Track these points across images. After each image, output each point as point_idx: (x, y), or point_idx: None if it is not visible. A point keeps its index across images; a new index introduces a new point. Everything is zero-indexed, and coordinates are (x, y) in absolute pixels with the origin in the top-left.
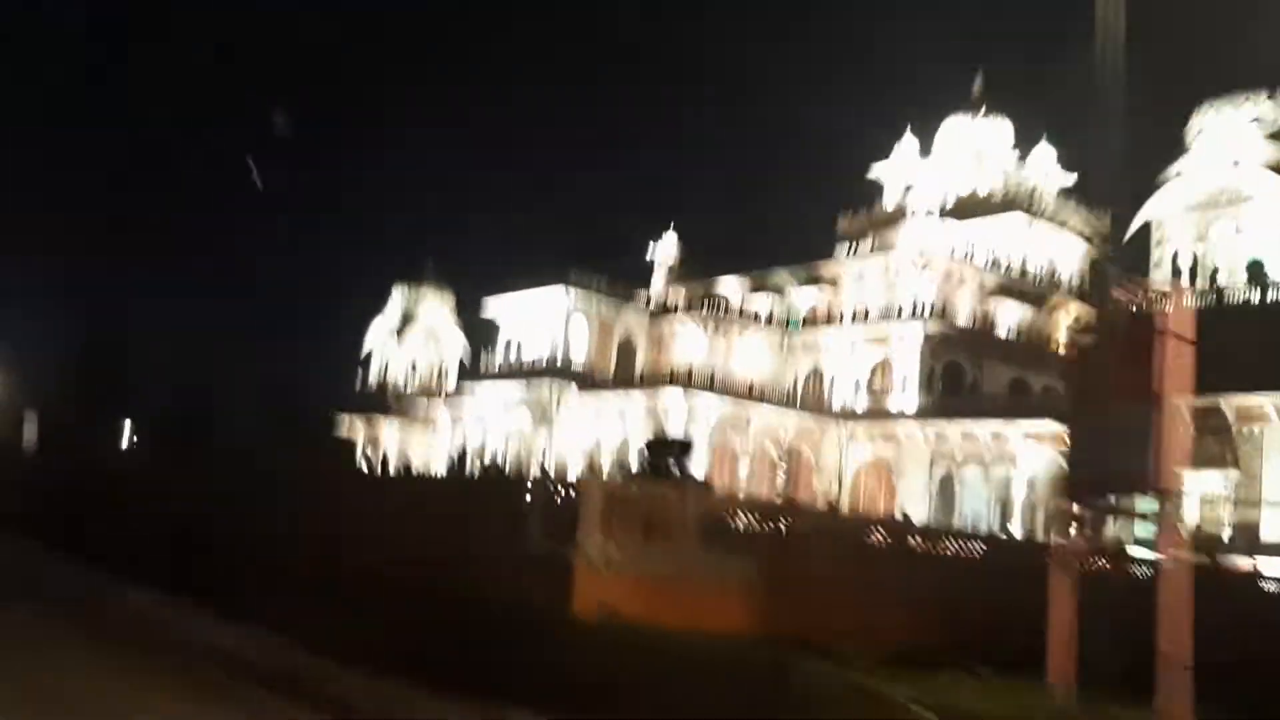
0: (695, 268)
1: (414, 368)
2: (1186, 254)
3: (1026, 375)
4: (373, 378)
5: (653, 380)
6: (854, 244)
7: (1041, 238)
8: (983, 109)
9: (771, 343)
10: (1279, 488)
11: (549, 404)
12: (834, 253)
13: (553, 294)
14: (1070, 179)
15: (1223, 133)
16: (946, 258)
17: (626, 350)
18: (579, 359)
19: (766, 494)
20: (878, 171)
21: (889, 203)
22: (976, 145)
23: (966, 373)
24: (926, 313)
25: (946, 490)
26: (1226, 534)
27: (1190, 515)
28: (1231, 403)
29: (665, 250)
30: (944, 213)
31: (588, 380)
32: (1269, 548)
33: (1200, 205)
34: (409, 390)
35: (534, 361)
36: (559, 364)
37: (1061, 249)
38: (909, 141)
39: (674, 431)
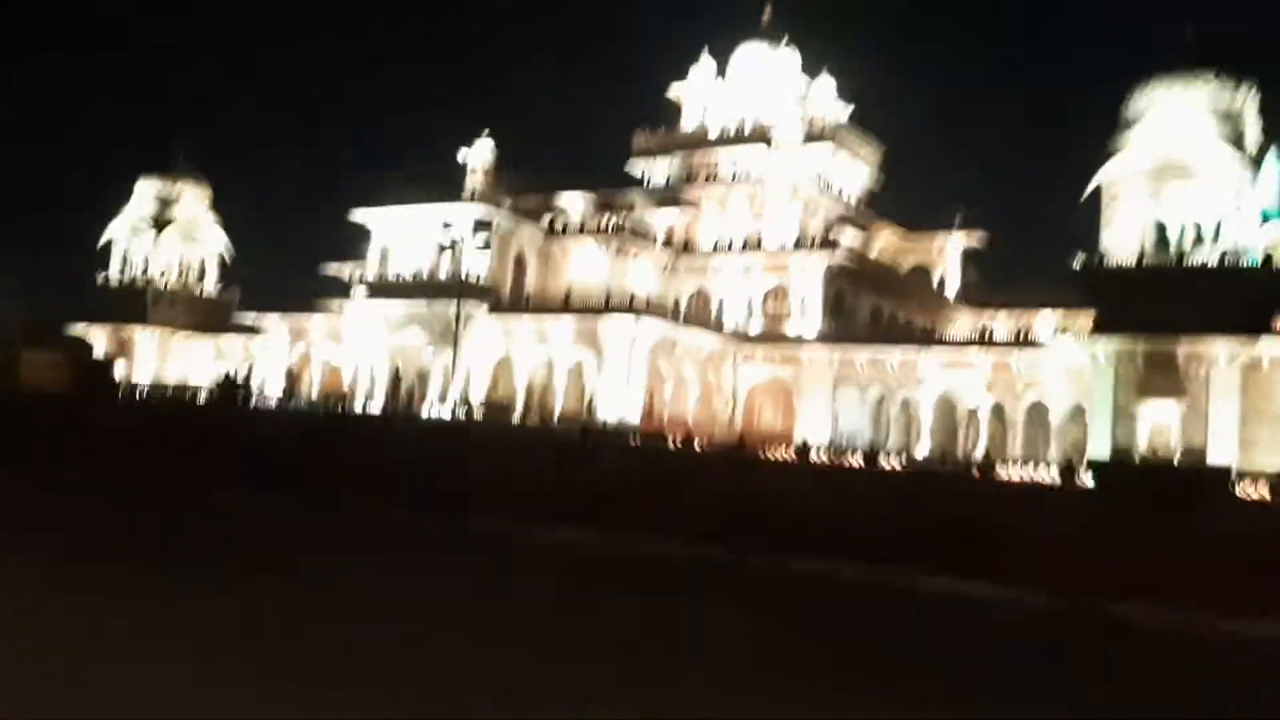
0: (513, 178)
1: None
2: (1137, 216)
3: (882, 302)
4: (116, 279)
5: (589, 305)
6: (652, 160)
7: (841, 165)
8: (783, 39)
9: (658, 263)
10: (1221, 418)
11: (452, 323)
12: (629, 168)
13: (455, 209)
14: (848, 110)
15: (1173, 107)
16: (808, 187)
17: (520, 268)
18: (474, 275)
19: (688, 416)
20: (676, 91)
21: (687, 124)
22: (768, 72)
23: (847, 299)
24: (822, 244)
25: (866, 411)
26: (1176, 455)
27: (1143, 438)
28: (1181, 346)
29: (479, 156)
30: (748, 138)
31: (497, 300)
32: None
33: (1152, 172)
34: (164, 292)
35: (424, 277)
36: (461, 280)
37: (851, 174)
38: (706, 64)
39: (614, 355)
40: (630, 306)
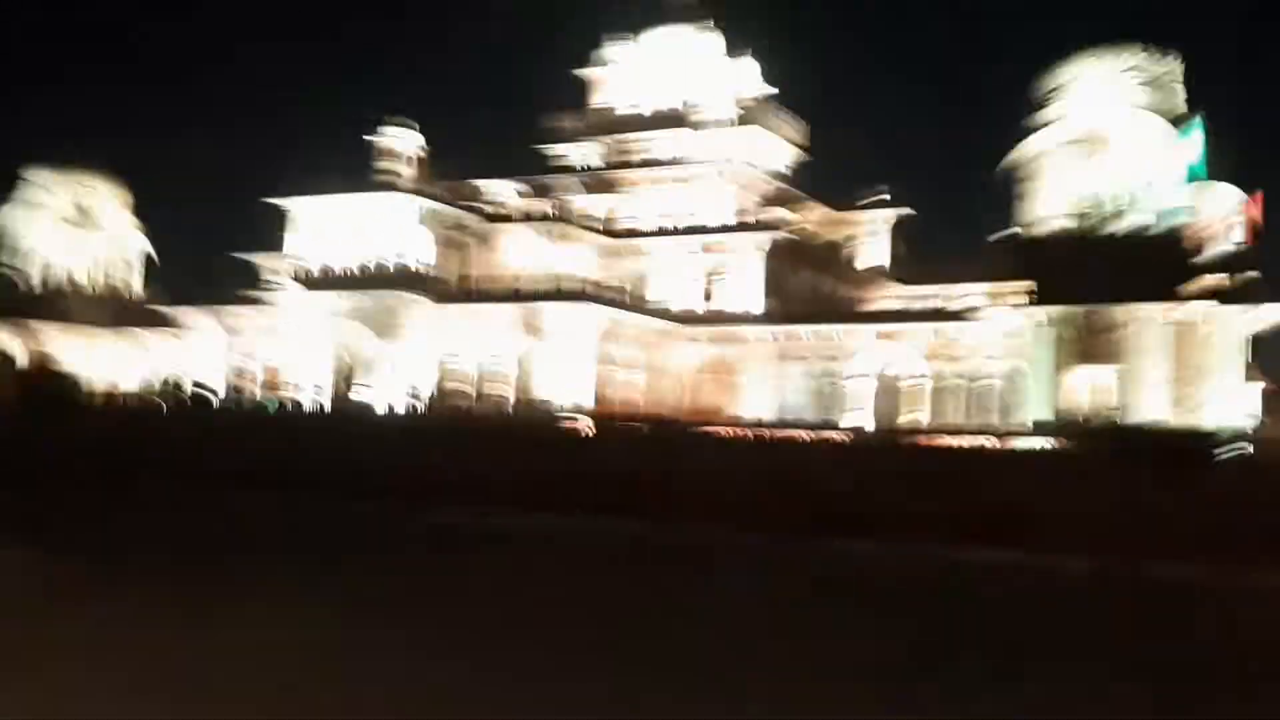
0: (433, 164)
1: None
2: (1064, 185)
3: (817, 279)
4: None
5: (535, 291)
6: (573, 144)
7: (767, 146)
8: (706, 20)
9: (596, 248)
10: (1152, 377)
11: (396, 315)
12: (549, 151)
13: (396, 199)
14: (770, 90)
15: (1098, 78)
16: (740, 168)
17: (461, 257)
18: (414, 266)
19: (637, 399)
20: (594, 73)
21: (602, 105)
22: (692, 55)
23: (786, 278)
24: (760, 225)
25: (810, 387)
26: (1116, 414)
27: (1082, 399)
28: (1115, 312)
29: (401, 142)
30: (675, 120)
31: (437, 289)
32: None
33: (1073, 143)
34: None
35: (361, 268)
36: (404, 271)
37: (777, 155)
38: (625, 45)
39: (556, 343)
40: (579, 293)
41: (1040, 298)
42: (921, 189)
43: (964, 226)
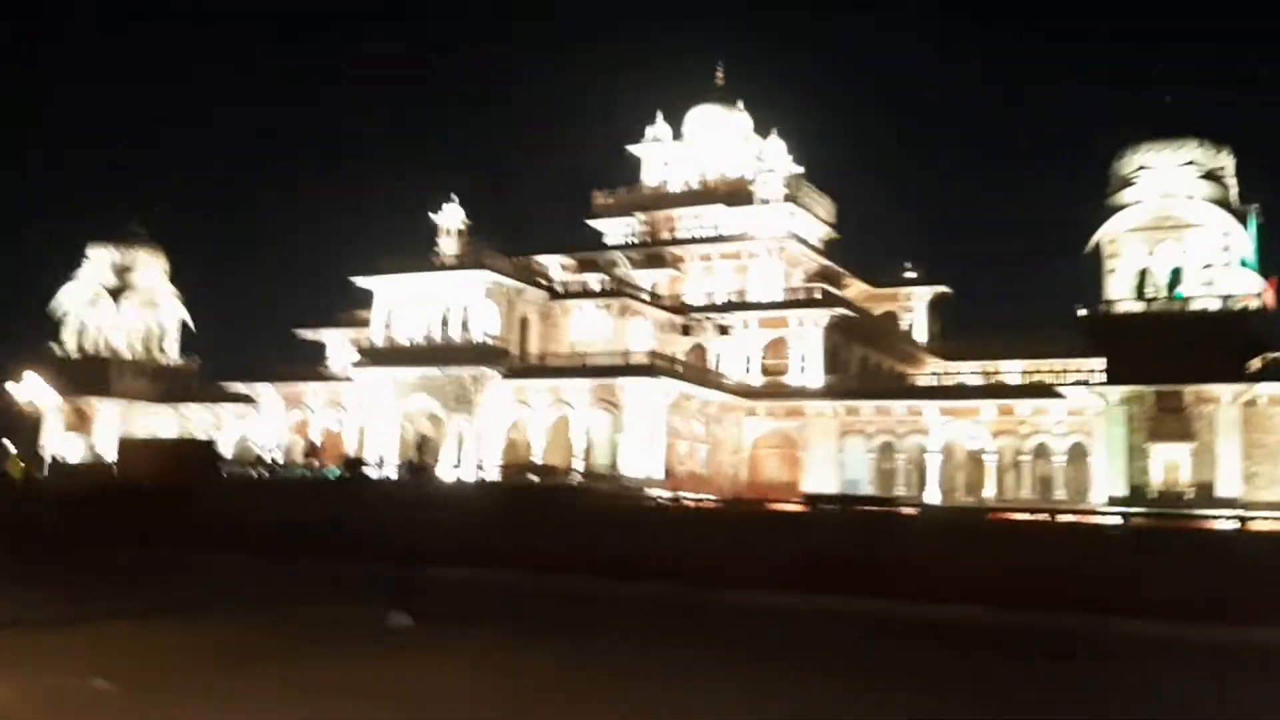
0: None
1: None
2: (1133, 268)
3: (868, 352)
4: (72, 351)
5: (607, 365)
6: (613, 219)
7: (804, 222)
8: (736, 101)
9: (655, 322)
10: (1227, 457)
11: (467, 388)
12: (592, 227)
13: (469, 276)
14: (799, 169)
15: (1162, 169)
16: (789, 243)
17: (523, 331)
18: (486, 340)
19: (700, 473)
20: (632, 151)
21: (644, 182)
22: (723, 133)
23: (841, 351)
24: (823, 299)
25: (871, 461)
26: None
27: (1156, 476)
28: (1188, 390)
29: (447, 219)
30: (716, 196)
31: (507, 362)
32: (1221, 501)
33: (1147, 227)
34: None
35: (428, 341)
36: (474, 345)
37: (813, 231)
38: (660, 126)
39: (634, 414)
40: (650, 367)
41: (1111, 376)
42: (950, 264)
43: (996, 301)
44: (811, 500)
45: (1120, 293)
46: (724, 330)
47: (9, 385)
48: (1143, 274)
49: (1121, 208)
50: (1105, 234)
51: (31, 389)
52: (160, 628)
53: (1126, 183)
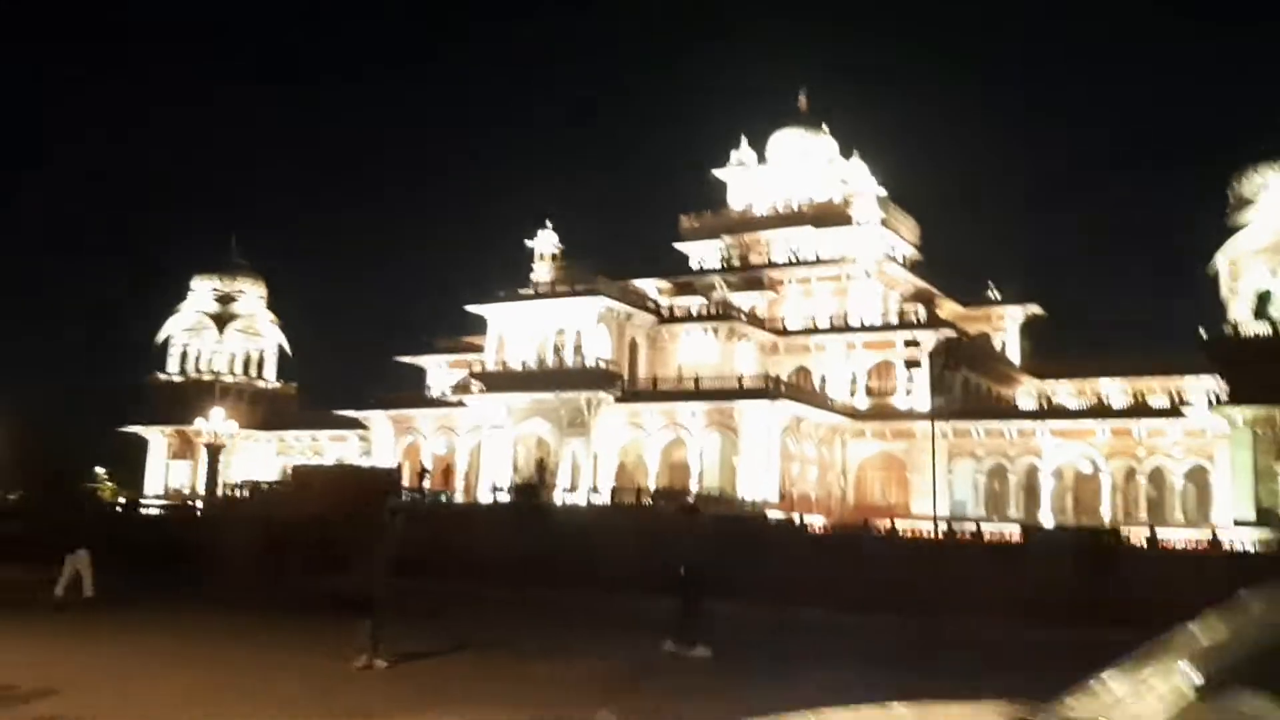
0: (582, 265)
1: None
2: (1254, 289)
3: (969, 374)
4: (176, 378)
5: (721, 389)
6: (701, 243)
7: (894, 244)
8: (820, 124)
9: (760, 345)
10: None
11: (582, 412)
12: (679, 250)
13: (583, 302)
14: (881, 190)
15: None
16: (888, 265)
17: (633, 355)
18: (600, 364)
19: (810, 495)
20: (717, 176)
21: (732, 206)
22: (807, 156)
23: (945, 372)
24: (929, 322)
25: (980, 483)
26: None
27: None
28: None
29: (544, 244)
30: (794, 219)
31: (621, 387)
32: None
33: (1268, 249)
34: (230, 388)
35: (548, 367)
36: (589, 369)
37: (902, 252)
38: (745, 151)
39: (751, 437)
40: (765, 390)
41: (1236, 397)
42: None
43: (1072, 321)
44: (1027, 531)
45: (1242, 314)
46: (826, 352)
47: (197, 421)
48: (1263, 296)
49: (1241, 228)
50: (1226, 254)
51: (215, 422)
52: (540, 660)
53: (1247, 202)
